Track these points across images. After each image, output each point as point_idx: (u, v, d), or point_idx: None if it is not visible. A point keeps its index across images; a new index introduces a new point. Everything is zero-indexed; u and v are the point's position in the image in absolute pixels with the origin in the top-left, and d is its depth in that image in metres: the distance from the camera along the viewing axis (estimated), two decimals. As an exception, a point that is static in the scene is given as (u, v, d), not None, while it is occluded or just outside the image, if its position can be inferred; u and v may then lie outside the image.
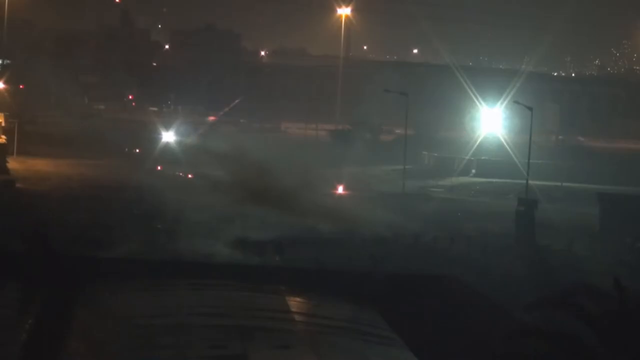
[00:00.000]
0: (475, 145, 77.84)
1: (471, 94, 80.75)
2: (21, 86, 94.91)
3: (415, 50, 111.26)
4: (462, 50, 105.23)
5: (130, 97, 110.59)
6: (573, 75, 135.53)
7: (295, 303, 24.42)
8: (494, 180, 74.67)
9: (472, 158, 79.65)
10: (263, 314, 22.79)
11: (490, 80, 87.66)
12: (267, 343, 20.45)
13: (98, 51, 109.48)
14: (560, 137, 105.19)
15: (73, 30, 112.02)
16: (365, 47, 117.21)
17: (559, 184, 72.28)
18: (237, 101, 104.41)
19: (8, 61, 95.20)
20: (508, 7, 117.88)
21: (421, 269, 37.95)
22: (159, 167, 67.87)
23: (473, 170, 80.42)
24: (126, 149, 75.24)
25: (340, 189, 65.24)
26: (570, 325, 19.76)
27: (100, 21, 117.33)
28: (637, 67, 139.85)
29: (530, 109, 58.08)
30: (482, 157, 79.62)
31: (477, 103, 79.79)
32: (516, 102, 65.07)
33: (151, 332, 20.93)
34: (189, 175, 65.03)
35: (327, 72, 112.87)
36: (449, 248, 46.78)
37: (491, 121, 76.97)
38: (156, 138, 74.03)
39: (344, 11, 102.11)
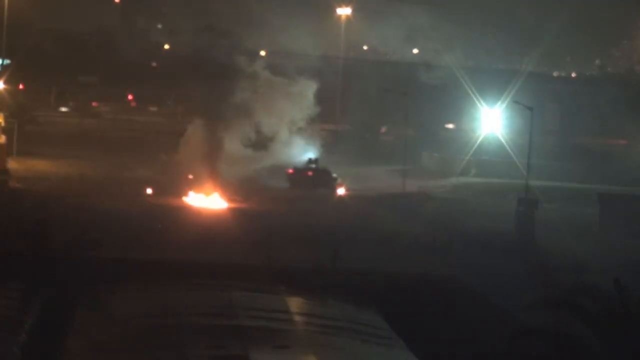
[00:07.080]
0: (476, 145, 77.76)
1: (471, 94, 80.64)
2: (21, 86, 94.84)
3: (415, 50, 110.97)
4: (462, 50, 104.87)
5: (130, 97, 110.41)
6: (573, 75, 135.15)
7: (295, 303, 24.42)
8: (494, 180, 74.68)
9: (472, 158, 79.62)
10: (263, 314, 22.78)
11: (490, 80, 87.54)
12: (267, 343, 20.44)
13: (98, 51, 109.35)
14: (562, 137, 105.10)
15: (73, 30, 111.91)
16: (365, 47, 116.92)
17: (559, 184, 72.26)
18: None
19: (8, 61, 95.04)
20: (508, 6, 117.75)
21: (421, 268, 37.97)
22: None
23: (473, 170, 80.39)
24: None
25: (340, 190, 65.22)
26: (570, 325, 19.76)
27: (100, 21, 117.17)
28: (638, 67, 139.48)
29: (530, 109, 58.00)
30: (482, 157, 79.62)
31: (477, 103, 79.70)
32: (516, 102, 64.98)
33: (151, 332, 20.92)
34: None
35: (326, 72, 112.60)
36: (448, 248, 46.84)
37: (491, 121, 76.89)
38: None
39: (344, 11, 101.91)
